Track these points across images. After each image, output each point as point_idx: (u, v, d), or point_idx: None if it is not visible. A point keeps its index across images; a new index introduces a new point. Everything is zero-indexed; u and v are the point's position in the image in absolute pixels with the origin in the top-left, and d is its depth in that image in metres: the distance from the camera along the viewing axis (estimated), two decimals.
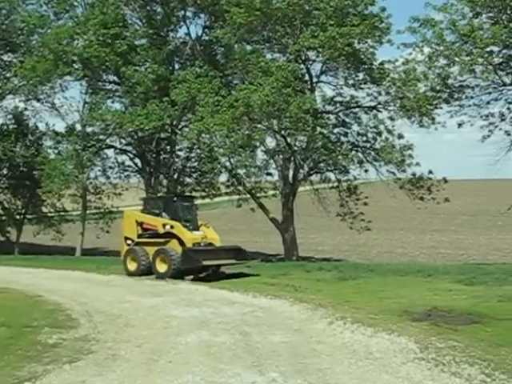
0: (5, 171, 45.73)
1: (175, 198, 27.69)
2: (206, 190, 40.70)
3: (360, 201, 35.15)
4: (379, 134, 33.22)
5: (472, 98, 29.93)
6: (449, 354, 11.02)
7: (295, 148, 33.21)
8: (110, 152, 41.27)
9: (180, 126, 38.68)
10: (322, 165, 34.43)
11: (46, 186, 38.07)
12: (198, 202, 29.47)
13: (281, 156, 34.14)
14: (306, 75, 33.40)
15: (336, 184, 35.41)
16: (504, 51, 28.28)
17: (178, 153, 41.12)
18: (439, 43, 27.88)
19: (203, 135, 33.35)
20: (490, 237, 52.74)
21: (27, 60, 37.88)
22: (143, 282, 23.51)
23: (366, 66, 32.25)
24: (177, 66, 39.09)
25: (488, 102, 30.18)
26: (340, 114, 34.27)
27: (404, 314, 14.74)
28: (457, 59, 27.55)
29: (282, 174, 34.28)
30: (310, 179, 35.41)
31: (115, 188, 42.76)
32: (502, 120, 30.36)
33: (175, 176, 40.09)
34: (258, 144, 33.13)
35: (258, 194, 35.69)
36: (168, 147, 40.34)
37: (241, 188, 35.79)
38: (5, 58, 43.73)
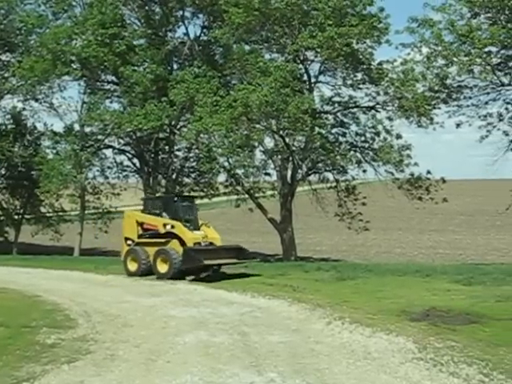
0: (3, 171, 45.68)
1: (176, 198, 27.62)
2: (205, 190, 40.69)
3: (358, 201, 35.17)
4: (377, 134, 33.25)
5: (470, 98, 29.98)
6: (447, 354, 11.03)
7: (293, 148, 33.22)
8: (108, 152, 41.36)
9: (178, 126, 38.68)
10: (320, 165, 34.45)
11: (45, 186, 38.06)
12: (196, 202, 29.33)
13: (279, 156, 34.15)
14: (305, 75, 33.47)
15: (334, 184, 35.44)
16: (502, 51, 28.30)
17: (177, 153, 41.20)
18: (437, 43, 27.89)
19: (202, 135, 33.36)
20: (488, 237, 52.82)
21: (25, 60, 37.84)
22: (141, 282, 23.49)
23: (365, 66, 32.27)
24: (175, 66, 39.14)
25: (486, 103, 30.24)
26: (338, 114, 34.31)
27: (402, 314, 14.74)
28: (455, 59, 27.56)
29: (281, 174, 34.29)
30: (309, 179, 35.43)
31: (113, 188, 42.74)
32: (500, 120, 30.39)
33: (174, 176, 40.08)
34: (256, 144, 33.16)
35: (257, 194, 35.73)
36: (166, 147, 40.34)
37: (239, 188, 35.82)
38: (3, 57, 43.75)
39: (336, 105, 34.07)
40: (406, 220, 63.65)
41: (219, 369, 10.36)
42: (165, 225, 25.21)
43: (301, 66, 32.80)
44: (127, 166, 41.56)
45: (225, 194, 38.58)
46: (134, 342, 12.56)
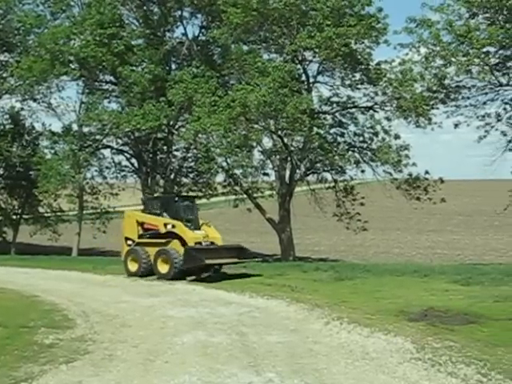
0: (1, 171, 45.76)
1: (176, 199, 27.58)
2: (203, 190, 40.66)
3: (356, 201, 35.22)
4: (376, 134, 33.28)
5: (468, 98, 30.00)
6: (445, 354, 11.03)
7: (292, 148, 33.24)
8: (106, 152, 41.35)
9: (177, 126, 38.68)
10: (318, 165, 34.49)
11: (43, 186, 38.05)
12: (197, 201, 29.27)
13: (277, 156, 34.17)
14: (303, 75, 33.47)
15: (333, 184, 35.48)
16: (500, 52, 28.32)
17: (175, 153, 41.19)
18: (436, 44, 27.90)
19: (200, 135, 33.35)
20: (487, 237, 52.86)
21: (24, 60, 37.83)
22: (140, 283, 23.48)
23: (363, 67, 32.30)
24: (173, 66, 39.17)
25: (484, 103, 30.27)
26: (337, 114, 34.34)
27: (400, 314, 14.73)
28: (453, 60, 27.57)
29: (279, 174, 34.30)
30: (307, 179, 35.48)
31: (112, 188, 42.79)
32: (499, 120, 30.44)
33: (172, 176, 40.05)
34: (254, 144, 33.19)
35: (255, 194, 35.75)
36: (165, 147, 40.33)
37: (237, 188, 35.83)
38: (1, 57, 43.82)
39: (334, 105, 34.10)
40: (404, 220, 63.68)
41: (217, 369, 10.36)
42: (165, 224, 25.07)
43: (299, 66, 32.81)
44: (125, 166, 41.57)
45: (223, 194, 38.55)
46: (133, 342, 12.55)
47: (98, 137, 39.30)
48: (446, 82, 29.20)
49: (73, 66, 37.69)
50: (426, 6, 28.50)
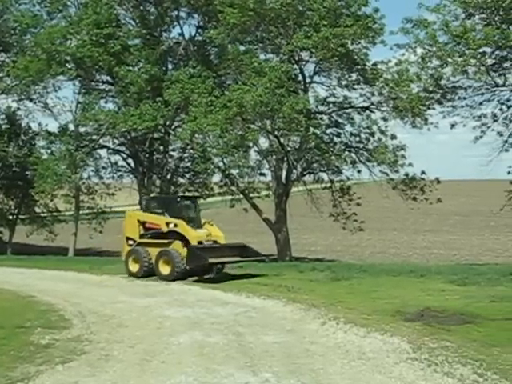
0: None
1: (179, 199, 27.46)
2: (199, 190, 40.60)
3: (353, 201, 35.25)
4: (372, 134, 33.31)
5: (465, 98, 30.03)
6: (441, 354, 11.05)
7: (288, 148, 33.26)
8: (102, 152, 41.28)
9: (173, 127, 38.63)
10: (315, 165, 34.51)
11: (39, 186, 37.98)
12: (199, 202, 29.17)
13: (274, 156, 34.18)
14: (300, 76, 33.47)
15: (329, 184, 35.52)
16: (496, 52, 28.34)
17: (171, 153, 41.11)
18: (432, 44, 27.91)
19: (196, 135, 33.34)
20: (483, 237, 52.93)
21: (20, 60, 37.75)
22: (136, 283, 23.44)
23: (359, 67, 32.32)
24: (170, 67, 39.07)
25: (480, 103, 30.31)
26: (333, 114, 34.36)
27: (397, 315, 14.75)
28: (449, 60, 27.60)
29: (275, 175, 34.30)
30: (303, 179, 35.49)
31: (108, 188, 42.74)
32: (495, 121, 30.45)
33: (168, 176, 40.02)
34: (251, 144, 33.15)
35: (251, 195, 35.76)
36: (161, 147, 40.29)
37: (234, 188, 35.87)
38: None
39: (331, 105, 34.13)
40: (400, 220, 63.76)
41: (214, 369, 10.36)
42: (167, 223, 24.76)
43: (296, 66, 32.81)
44: (122, 166, 41.53)
45: (219, 194, 38.58)
46: (129, 342, 12.55)
47: (94, 137, 39.24)
48: (443, 82, 29.23)
49: (69, 66, 37.63)
50: (423, 7, 28.53)
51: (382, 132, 32.85)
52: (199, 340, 12.63)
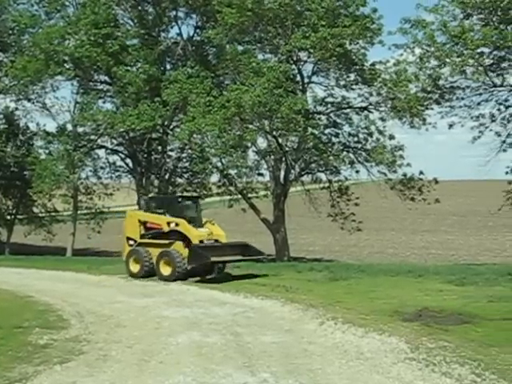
0: None
1: (180, 199, 27.41)
2: (198, 190, 40.58)
3: (351, 201, 35.26)
4: (370, 134, 33.33)
5: (463, 99, 30.02)
6: (439, 354, 11.06)
7: (286, 148, 33.24)
8: (101, 152, 41.30)
9: (171, 127, 38.64)
10: (313, 165, 34.54)
11: (37, 186, 37.98)
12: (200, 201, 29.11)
13: (272, 156, 34.17)
14: (298, 76, 33.50)
15: (327, 184, 35.54)
16: (494, 53, 28.33)
17: (170, 153, 41.12)
18: (430, 44, 27.90)
19: (194, 135, 33.34)
20: (481, 237, 52.96)
21: (18, 60, 37.71)
22: (134, 283, 23.42)
23: (358, 67, 32.33)
24: (168, 67, 39.10)
25: (478, 103, 30.30)
26: (331, 114, 34.37)
27: (395, 315, 14.77)
28: (448, 60, 27.60)
29: (274, 175, 34.30)
30: (302, 180, 35.52)
31: (106, 188, 42.74)
32: (493, 121, 30.47)
33: (166, 176, 40.00)
34: (249, 144, 33.17)
35: (250, 195, 35.77)
36: (159, 147, 40.26)
37: (232, 188, 35.88)
38: None
39: (329, 105, 34.14)
40: (398, 220, 63.77)
41: (212, 369, 10.36)
42: (169, 223, 24.68)
43: (294, 66, 32.84)
44: (120, 166, 41.51)
45: (218, 194, 38.52)
46: (127, 342, 12.55)
47: (92, 137, 39.26)
48: (441, 82, 29.23)
49: (67, 66, 37.60)
50: (421, 7, 28.48)
51: (380, 132, 32.87)
52: (197, 340, 12.64)
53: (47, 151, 39.75)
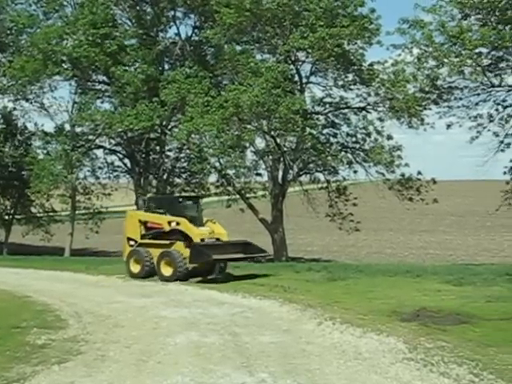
0: None
1: (180, 199, 27.35)
2: (196, 190, 40.57)
3: (349, 201, 35.30)
4: (368, 134, 33.35)
5: (461, 99, 30.03)
6: (437, 354, 11.06)
7: (285, 149, 33.27)
8: (99, 152, 41.29)
9: (170, 127, 38.63)
10: (311, 165, 34.56)
11: (35, 186, 37.97)
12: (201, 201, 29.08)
13: (270, 157, 34.18)
14: (296, 76, 33.53)
15: (325, 185, 35.57)
16: (493, 53, 28.35)
17: (168, 153, 41.11)
18: (428, 44, 27.91)
19: (193, 136, 33.34)
20: (479, 237, 52.96)
21: (16, 60, 37.73)
22: (132, 283, 23.41)
23: (356, 67, 32.38)
24: (166, 67, 39.13)
25: (477, 104, 30.30)
26: (329, 114, 34.41)
27: (393, 315, 14.76)
28: (446, 60, 27.60)
29: (272, 175, 34.32)
30: (300, 180, 35.56)
31: (104, 188, 42.73)
32: (491, 121, 30.48)
33: (165, 176, 39.99)
34: (247, 144, 33.21)
35: (248, 195, 35.77)
36: (157, 147, 40.29)
37: (230, 188, 35.87)
38: None
39: (327, 105, 34.17)
40: (396, 221, 63.77)
41: (210, 369, 10.35)
42: (170, 222, 24.60)
43: (292, 66, 32.86)
44: (118, 167, 41.51)
45: (216, 194, 38.53)
46: (125, 342, 12.54)
47: (90, 137, 39.23)
48: (439, 82, 29.25)
49: (65, 66, 37.61)
50: (419, 7, 28.47)
51: (379, 132, 32.91)
52: (195, 340, 12.63)
53: (45, 151, 39.80)
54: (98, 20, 35.32)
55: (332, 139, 34.39)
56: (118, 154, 41.19)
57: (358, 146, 33.90)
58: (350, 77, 33.18)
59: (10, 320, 14.88)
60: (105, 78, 38.90)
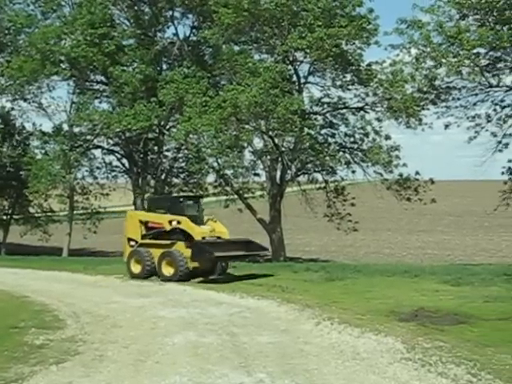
0: None
1: (181, 199, 27.31)
2: (194, 190, 40.57)
3: (347, 201, 35.29)
4: (366, 134, 33.35)
5: (459, 99, 30.06)
6: (435, 354, 11.06)
7: (283, 149, 33.27)
8: (97, 152, 41.33)
9: (168, 127, 38.65)
10: (309, 165, 34.57)
11: (33, 186, 37.95)
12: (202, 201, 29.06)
13: (268, 157, 34.18)
14: (294, 76, 33.50)
15: (323, 185, 35.57)
16: (490, 53, 28.37)
17: (166, 153, 41.12)
18: (426, 45, 27.91)
19: (191, 136, 33.30)
20: (477, 237, 53.02)
21: (14, 60, 37.75)
22: (130, 283, 23.42)
23: (354, 67, 32.36)
24: (164, 67, 39.08)
25: (474, 104, 30.32)
26: (327, 114, 34.40)
27: (391, 315, 14.78)
28: (444, 61, 27.61)
29: (270, 175, 34.32)
30: (298, 180, 35.52)
31: (102, 188, 42.74)
32: (489, 121, 30.50)
33: (163, 176, 40.01)
34: (245, 145, 33.17)
35: (246, 195, 35.74)
36: (155, 148, 40.29)
37: (228, 188, 35.87)
38: None
39: (325, 106, 34.17)
40: (394, 221, 63.85)
41: (208, 369, 10.35)
42: (170, 221, 24.55)
43: (290, 66, 32.82)
44: (116, 167, 41.54)
45: (214, 194, 38.54)
46: (123, 342, 12.53)
47: (88, 137, 39.23)
48: (437, 82, 29.26)
49: (63, 66, 37.64)
50: (417, 7, 28.49)
51: (377, 132, 32.92)
52: (193, 340, 12.63)
53: (43, 151, 39.83)
54: (96, 20, 35.31)
55: (330, 139, 34.42)
56: (116, 154, 41.23)
57: (356, 146, 33.91)
58: (348, 77, 33.17)
59: (8, 320, 14.88)
60: (103, 78, 38.88)
